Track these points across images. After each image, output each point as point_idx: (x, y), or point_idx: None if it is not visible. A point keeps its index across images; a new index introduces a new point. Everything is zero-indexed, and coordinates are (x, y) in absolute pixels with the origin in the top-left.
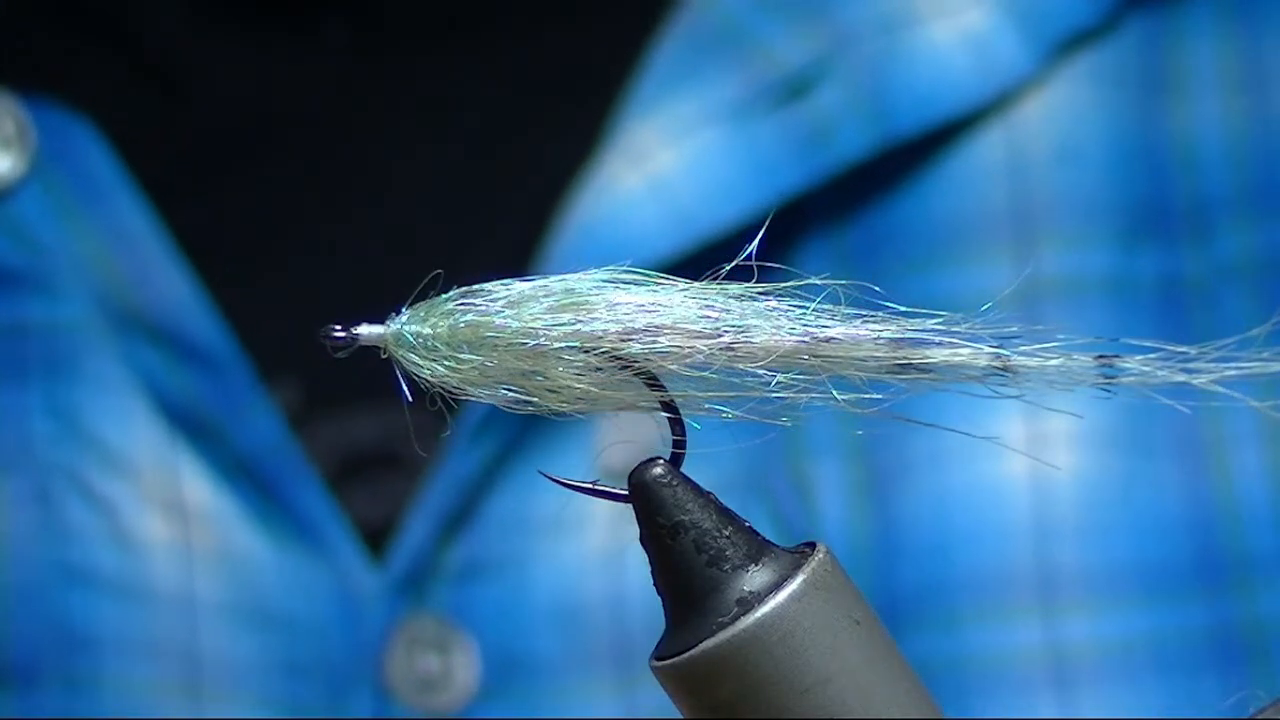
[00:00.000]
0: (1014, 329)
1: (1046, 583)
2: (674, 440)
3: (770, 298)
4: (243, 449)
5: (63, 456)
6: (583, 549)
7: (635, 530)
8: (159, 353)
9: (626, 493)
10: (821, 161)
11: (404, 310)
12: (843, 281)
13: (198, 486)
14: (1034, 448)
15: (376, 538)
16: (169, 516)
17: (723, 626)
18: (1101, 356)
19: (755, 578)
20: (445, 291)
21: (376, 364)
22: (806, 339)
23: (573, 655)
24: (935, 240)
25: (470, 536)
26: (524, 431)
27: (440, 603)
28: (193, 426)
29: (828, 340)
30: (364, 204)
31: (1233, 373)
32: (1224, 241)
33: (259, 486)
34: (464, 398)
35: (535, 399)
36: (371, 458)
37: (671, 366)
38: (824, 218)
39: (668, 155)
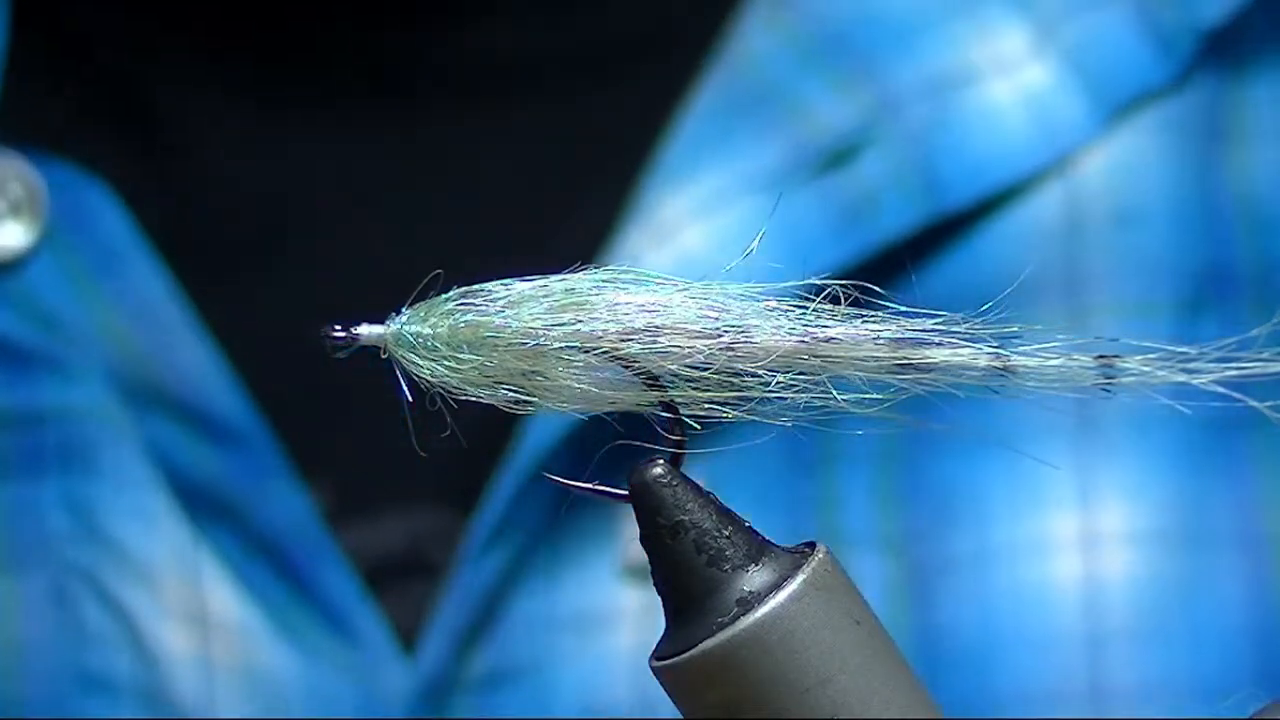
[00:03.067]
0: (1014, 329)
1: (1098, 697)
2: (674, 440)
3: (770, 298)
4: (266, 529)
5: (80, 557)
6: (609, 649)
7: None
8: (179, 428)
9: (626, 493)
10: (863, 237)
11: (403, 310)
12: (843, 281)
13: (221, 596)
14: (1086, 545)
15: (407, 644)
16: (190, 628)
17: (722, 626)
18: (1101, 356)
19: (755, 578)
20: (445, 291)
21: (404, 464)
22: (806, 339)
23: None
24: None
25: (492, 643)
26: (542, 534)
27: (464, 712)
28: (213, 505)
29: (828, 340)
30: (387, 278)
31: (1233, 373)
32: None
33: (282, 569)
34: (464, 398)
35: (535, 399)
36: (400, 563)
37: (671, 366)
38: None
39: (696, 232)
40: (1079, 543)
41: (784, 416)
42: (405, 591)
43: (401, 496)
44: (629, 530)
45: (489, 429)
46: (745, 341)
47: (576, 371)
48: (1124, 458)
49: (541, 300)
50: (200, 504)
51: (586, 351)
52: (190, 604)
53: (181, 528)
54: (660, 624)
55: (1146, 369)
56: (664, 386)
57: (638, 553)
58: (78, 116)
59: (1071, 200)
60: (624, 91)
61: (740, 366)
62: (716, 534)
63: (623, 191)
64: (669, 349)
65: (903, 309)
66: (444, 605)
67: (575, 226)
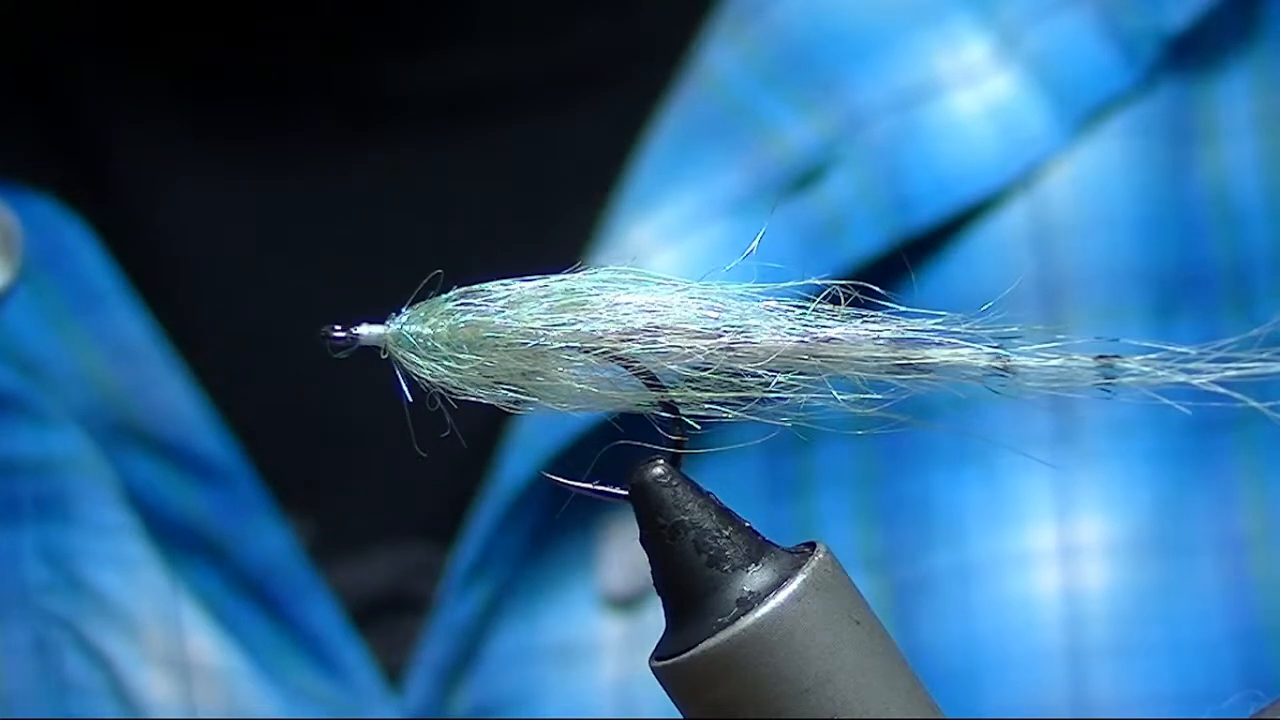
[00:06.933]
0: (1014, 329)
1: (1081, 711)
2: (674, 441)
3: (770, 298)
4: (250, 567)
5: (59, 606)
6: (593, 681)
7: (645, 657)
8: (160, 467)
9: (626, 493)
10: (832, 259)
11: (404, 310)
12: (843, 281)
13: (202, 640)
14: (1065, 557)
15: (393, 681)
16: (171, 674)
17: (722, 626)
18: (1101, 357)
19: (755, 578)
20: (445, 291)
21: (389, 500)
22: (806, 339)
23: None
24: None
25: (475, 679)
26: (522, 567)
27: None
28: (196, 544)
29: (828, 340)
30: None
31: (1233, 373)
32: (1265, 306)
33: (267, 606)
34: (463, 398)
35: (535, 399)
36: (385, 599)
37: (671, 366)
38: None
39: (665, 259)
40: (1058, 555)
41: (784, 417)
42: (391, 628)
43: (386, 532)
44: (609, 560)
45: (471, 462)
46: (745, 341)
47: (576, 371)
48: (1102, 467)
49: (541, 300)
50: (183, 542)
51: (586, 351)
52: (171, 650)
53: (161, 574)
54: (643, 648)
55: (1146, 369)
56: (664, 386)
57: (617, 583)
58: (46, 154)
59: (1040, 208)
60: (592, 115)
61: (740, 366)
62: (716, 534)
63: (591, 218)
64: (669, 349)
65: (903, 309)
66: (427, 641)
67: (544, 254)
